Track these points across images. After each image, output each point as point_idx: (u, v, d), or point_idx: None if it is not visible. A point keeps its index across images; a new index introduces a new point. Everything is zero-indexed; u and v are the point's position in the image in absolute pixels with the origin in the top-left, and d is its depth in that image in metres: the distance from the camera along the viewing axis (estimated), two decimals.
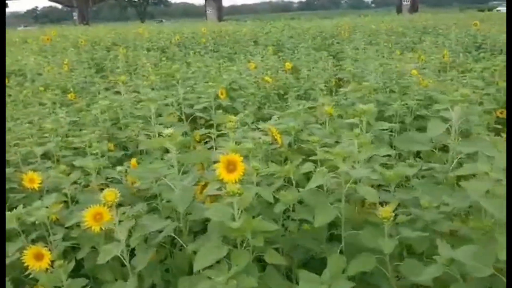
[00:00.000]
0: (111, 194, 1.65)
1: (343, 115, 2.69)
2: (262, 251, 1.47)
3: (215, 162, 1.64)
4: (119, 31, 14.53)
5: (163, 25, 22.54)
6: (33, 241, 2.09)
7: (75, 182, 2.43)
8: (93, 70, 6.66)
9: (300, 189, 1.68)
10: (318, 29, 11.87)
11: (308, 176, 1.87)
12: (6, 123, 3.98)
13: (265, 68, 6.34)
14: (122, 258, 1.73)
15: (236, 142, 2.20)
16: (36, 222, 1.99)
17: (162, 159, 2.36)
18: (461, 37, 8.20)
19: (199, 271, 1.56)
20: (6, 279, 2.06)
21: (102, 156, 2.62)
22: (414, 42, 8.69)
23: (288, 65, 6.57)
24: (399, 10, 29.74)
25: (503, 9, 28.74)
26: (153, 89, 5.11)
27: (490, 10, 28.32)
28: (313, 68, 6.27)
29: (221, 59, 8.13)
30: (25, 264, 1.90)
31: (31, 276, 1.99)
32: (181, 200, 1.62)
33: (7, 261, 2.07)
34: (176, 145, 1.68)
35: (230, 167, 1.59)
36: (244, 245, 1.49)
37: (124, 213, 1.73)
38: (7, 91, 6.04)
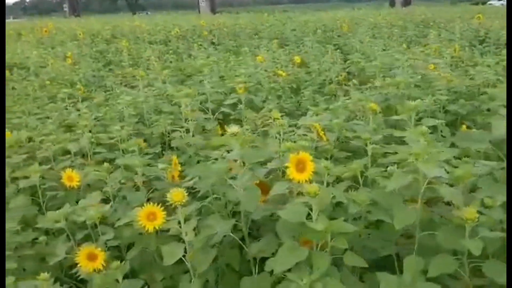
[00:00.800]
0: (178, 194, 1.60)
1: (380, 110, 2.65)
2: (339, 253, 1.44)
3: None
4: (115, 24, 14.32)
5: (151, 17, 22.19)
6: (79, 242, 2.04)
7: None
8: (101, 64, 6.51)
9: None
10: (317, 23, 11.81)
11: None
12: (21, 118, 3.89)
13: (274, 62, 6.29)
14: (184, 259, 1.69)
15: (281, 139, 2.17)
16: (87, 222, 1.93)
17: (207, 158, 2.32)
18: (465, 31, 8.21)
19: (269, 272, 1.53)
20: (51, 279, 1.98)
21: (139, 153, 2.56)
22: (418, 35, 8.68)
23: (298, 58, 6.52)
24: (392, 4, 29.73)
25: (495, 2, 28.90)
26: (164, 83, 5.02)
27: (483, 3, 28.47)
28: (323, 62, 6.23)
29: (226, 52, 8.06)
30: (78, 265, 1.85)
31: (80, 277, 1.94)
32: (249, 200, 1.58)
33: (54, 261, 2.02)
34: (242, 143, 1.64)
35: (300, 166, 1.55)
36: (319, 247, 1.46)
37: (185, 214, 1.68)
38: (11, 84, 5.91)
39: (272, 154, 1.75)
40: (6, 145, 2.47)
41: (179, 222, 1.65)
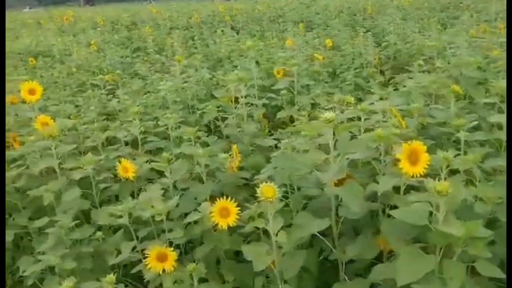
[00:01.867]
0: (269, 189, 1.38)
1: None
2: (466, 260, 1.21)
3: None
4: (133, 11, 14.05)
5: (168, 4, 21.78)
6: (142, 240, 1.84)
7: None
8: (128, 50, 6.30)
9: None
10: (340, 5, 11.40)
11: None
12: (55, 106, 3.69)
13: (305, 46, 5.99)
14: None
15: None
16: (156, 218, 1.73)
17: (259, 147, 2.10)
18: (501, 11, 7.79)
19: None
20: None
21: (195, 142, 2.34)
22: (449, 17, 8.30)
23: (329, 42, 6.22)
24: None
25: None
26: (197, 69, 4.78)
27: None
28: (355, 45, 5.93)
29: (252, 37, 7.78)
30: (148, 266, 1.65)
31: (146, 280, 1.75)
32: (352, 197, 1.36)
33: (116, 260, 1.83)
34: (338, 131, 1.41)
35: (412, 158, 1.32)
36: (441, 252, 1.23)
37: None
38: (38, 72, 5.72)
39: (369, 143, 1.52)
40: (49, 133, 2.27)
41: (263, 219, 1.43)
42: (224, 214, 1.67)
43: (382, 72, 5.37)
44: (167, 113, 2.77)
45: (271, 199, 1.37)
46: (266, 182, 1.47)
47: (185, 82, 3.43)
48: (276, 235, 1.42)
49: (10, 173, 2.31)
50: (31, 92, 2.77)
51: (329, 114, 1.41)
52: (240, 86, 2.72)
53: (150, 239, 1.82)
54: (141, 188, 2.24)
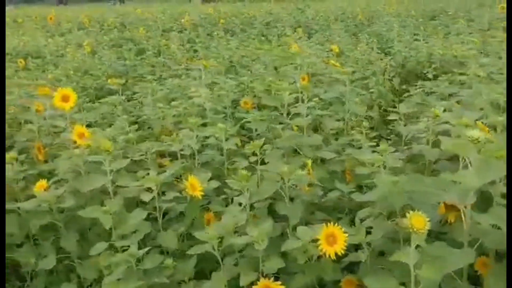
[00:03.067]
0: (420, 220, 1.20)
1: None
2: None
3: None
4: (120, 12, 13.64)
5: (148, 6, 21.24)
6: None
7: None
8: (132, 53, 6.00)
9: None
10: (333, 11, 11.37)
11: None
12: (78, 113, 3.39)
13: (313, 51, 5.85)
14: None
15: None
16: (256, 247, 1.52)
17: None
18: (494, 20, 7.92)
19: None
20: None
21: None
22: (442, 25, 8.35)
23: (335, 48, 6.11)
24: None
25: None
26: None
27: None
28: (363, 52, 5.84)
29: (252, 40, 7.60)
30: None
31: None
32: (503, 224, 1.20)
33: None
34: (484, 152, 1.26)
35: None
36: None
37: None
38: (28, 74, 5.35)
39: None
40: (105, 147, 2.03)
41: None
42: (330, 241, 1.49)
43: (390, 80, 5.30)
44: (205, 122, 2.57)
45: (421, 231, 1.20)
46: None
47: (220, 88, 3.20)
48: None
49: (54, 192, 2.05)
50: (65, 98, 2.51)
51: (475, 133, 1.25)
52: (291, 94, 2.54)
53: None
54: (208, 208, 2.03)
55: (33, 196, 2.33)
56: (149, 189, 1.95)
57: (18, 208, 2.29)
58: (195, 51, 6.86)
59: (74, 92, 2.52)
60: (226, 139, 2.37)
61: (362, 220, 1.68)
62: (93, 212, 1.96)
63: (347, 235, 1.48)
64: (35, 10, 18.40)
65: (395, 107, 4.78)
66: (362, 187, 2.07)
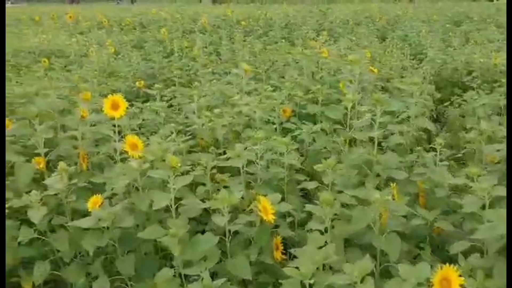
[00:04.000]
0: None
1: None
2: None
3: None
4: (134, 11, 13.50)
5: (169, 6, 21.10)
6: None
7: None
8: (159, 55, 5.85)
9: None
10: (348, 14, 11.17)
11: None
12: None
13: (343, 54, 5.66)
14: None
15: None
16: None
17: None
18: None
19: None
20: None
21: None
22: (471, 30, 8.15)
23: (368, 53, 5.91)
24: None
25: None
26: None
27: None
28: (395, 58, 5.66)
29: (276, 44, 7.42)
30: None
31: None
32: None
33: None
34: None
35: None
36: None
37: None
38: (53, 73, 5.20)
39: None
40: (173, 164, 1.85)
41: None
42: (444, 286, 1.32)
43: None
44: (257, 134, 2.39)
45: None
46: None
47: (267, 96, 3.02)
48: None
49: (110, 209, 1.89)
50: (114, 106, 2.35)
51: None
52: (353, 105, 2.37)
53: None
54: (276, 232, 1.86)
55: (83, 211, 2.21)
56: (216, 210, 1.79)
57: (66, 223, 2.15)
58: (218, 53, 6.71)
59: (124, 99, 2.36)
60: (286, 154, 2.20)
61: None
62: (154, 233, 1.80)
63: (463, 279, 1.30)
64: (50, 8, 18.35)
65: (436, 117, 4.61)
66: (448, 213, 1.89)
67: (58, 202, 2.12)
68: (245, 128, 2.75)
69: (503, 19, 9.10)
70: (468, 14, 11.61)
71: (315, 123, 2.72)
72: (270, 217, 1.74)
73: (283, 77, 4.40)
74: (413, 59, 6.12)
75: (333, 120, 2.43)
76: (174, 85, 5.05)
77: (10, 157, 2.41)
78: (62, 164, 2.11)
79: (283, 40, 7.88)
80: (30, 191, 2.47)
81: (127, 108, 2.39)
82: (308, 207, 1.67)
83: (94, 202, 1.99)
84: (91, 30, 9.80)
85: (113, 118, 2.37)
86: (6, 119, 2.64)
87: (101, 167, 2.55)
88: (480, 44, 6.40)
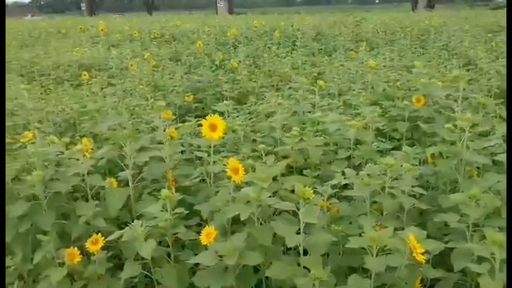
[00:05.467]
0: None
1: None
2: None
3: None
4: (161, 24, 13.45)
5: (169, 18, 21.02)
6: None
7: None
8: (207, 68, 5.70)
9: None
10: (378, 24, 10.96)
11: None
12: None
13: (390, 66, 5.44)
14: None
15: None
16: None
17: None
18: None
19: None
20: None
21: None
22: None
23: (417, 63, 5.67)
24: (414, 7, 28.89)
25: None
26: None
27: (500, 8, 27.55)
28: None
29: (318, 55, 7.27)
30: None
31: None
32: None
33: None
34: None
35: None
36: None
37: None
38: (90, 88, 5.06)
39: None
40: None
41: None
42: None
43: None
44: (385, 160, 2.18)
45: None
46: None
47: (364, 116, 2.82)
48: None
49: (231, 243, 1.70)
50: (212, 127, 2.17)
51: None
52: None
53: None
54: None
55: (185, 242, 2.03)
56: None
57: (169, 254, 1.97)
58: (257, 66, 6.55)
59: (222, 121, 2.18)
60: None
61: None
62: (284, 272, 1.61)
63: None
64: (73, 20, 18.42)
65: None
66: None
67: (161, 233, 1.94)
68: (339, 149, 2.55)
69: None
70: (499, 23, 11.34)
71: (413, 144, 2.51)
72: (421, 258, 1.54)
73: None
74: (468, 70, 5.88)
75: (449, 141, 2.22)
76: (226, 99, 4.92)
77: (96, 181, 2.25)
78: (165, 192, 1.93)
79: (317, 51, 7.75)
80: (118, 218, 2.34)
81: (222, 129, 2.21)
82: (473, 247, 1.45)
83: (207, 235, 1.80)
84: (121, 42, 9.74)
85: (211, 140, 2.20)
86: (85, 139, 2.48)
87: (190, 191, 2.38)
88: None
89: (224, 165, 2.31)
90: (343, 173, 2.30)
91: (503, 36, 8.45)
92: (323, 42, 8.30)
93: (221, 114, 3.58)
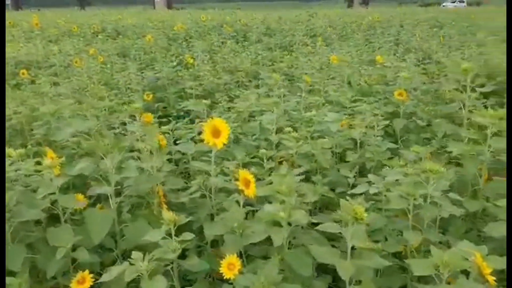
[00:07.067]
0: None
1: None
2: None
3: None
4: (100, 18, 12.56)
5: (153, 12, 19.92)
6: None
7: None
8: (174, 63, 5.24)
9: None
10: (315, 21, 10.88)
11: None
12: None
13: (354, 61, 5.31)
14: None
15: None
16: None
17: None
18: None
19: None
20: None
21: None
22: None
23: (379, 58, 5.61)
24: (350, 4, 29.68)
25: (448, 4, 29.62)
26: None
27: (430, 5, 29.12)
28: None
29: (275, 50, 7.00)
30: None
31: None
32: None
33: None
34: None
35: None
36: None
37: None
38: (33, 88, 4.47)
39: None
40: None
41: None
42: None
43: None
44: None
45: None
46: None
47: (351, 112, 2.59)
48: None
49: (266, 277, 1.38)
50: (215, 133, 1.83)
51: None
52: None
53: None
54: None
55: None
56: None
57: None
58: (214, 61, 6.17)
59: (226, 125, 1.84)
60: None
61: None
62: None
63: None
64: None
65: None
66: None
67: (165, 265, 1.57)
68: (346, 151, 2.30)
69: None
70: (437, 19, 11.79)
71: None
72: (491, 280, 1.32)
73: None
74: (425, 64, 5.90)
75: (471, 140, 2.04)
76: (190, 98, 4.52)
77: (70, 202, 1.82)
78: (169, 215, 1.56)
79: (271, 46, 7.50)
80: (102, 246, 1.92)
81: None
82: None
83: (229, 266, 1.47)
84: (60, 38, 8.91)
85: (214, 148, 1.85)
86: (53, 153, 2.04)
87: (184, 209, 2.01)
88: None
89: (226, 175, 1.99)
90: (355, 178, 2.07)
91: (445, 30, 8.74)
92: (277, 37, 8.06)
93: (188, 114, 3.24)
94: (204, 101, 3.00)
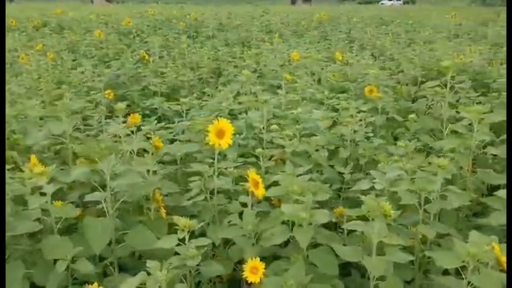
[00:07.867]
0: None
1: None
2: None
3: None
4: (39, 12, 11.79)
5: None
6: None
7: None
8: (131, 59, 5.02)
9: None
10: (268, 17, 10.92)
11: None
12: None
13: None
14: None
15: None
16: None
17: None
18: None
19: None
20: None
21: None
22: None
23: (338, 55, 5.73)
24: (293, 1, 30.05)
25: (386, 2, 30.83)
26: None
27: (370, 3, 30.25)
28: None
29: (234, 46, 6.92)
30: None
31: None
32: None
33: None
34: None
35: None
36: None
37: None
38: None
39: None
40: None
41: None
42: None
43: None
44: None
45: None
46: None
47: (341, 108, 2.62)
48: None
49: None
50: (220, 133, 1.77)
51: None
52: None
53: None
54: None
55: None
56: None
57: None
58: (171, 57, 6.02)
59: (230, 125, 1.79)
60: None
61: None
62: None
63: None
64: None
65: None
66: None
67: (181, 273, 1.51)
68: (338, 148, 2.33)
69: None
70: (380, 16, 12.27)
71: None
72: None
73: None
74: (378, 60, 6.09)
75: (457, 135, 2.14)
76: (155, 95, 4.38)
77: (65, 211, 1.69)
78: (185, 221, 1.50)
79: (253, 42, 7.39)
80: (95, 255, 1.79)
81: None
82: None
83: (253, 270, 1.43)
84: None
85: (219, 149, 1.79)
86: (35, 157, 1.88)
87: (184, 213, 1.93)
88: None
89: (227, 176, 1.95)
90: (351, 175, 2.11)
91: (391, 27, 9.12)
92: (233, 33, 8.00)
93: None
94: (183, 100, 2.91)
